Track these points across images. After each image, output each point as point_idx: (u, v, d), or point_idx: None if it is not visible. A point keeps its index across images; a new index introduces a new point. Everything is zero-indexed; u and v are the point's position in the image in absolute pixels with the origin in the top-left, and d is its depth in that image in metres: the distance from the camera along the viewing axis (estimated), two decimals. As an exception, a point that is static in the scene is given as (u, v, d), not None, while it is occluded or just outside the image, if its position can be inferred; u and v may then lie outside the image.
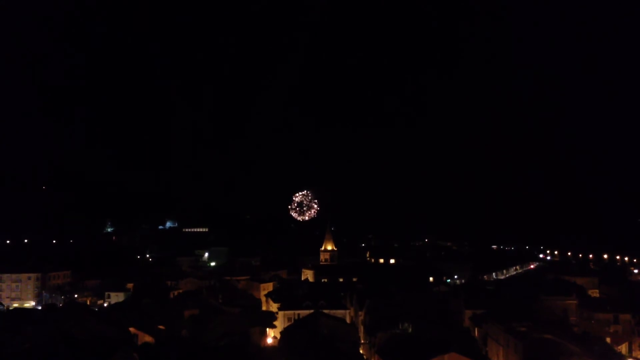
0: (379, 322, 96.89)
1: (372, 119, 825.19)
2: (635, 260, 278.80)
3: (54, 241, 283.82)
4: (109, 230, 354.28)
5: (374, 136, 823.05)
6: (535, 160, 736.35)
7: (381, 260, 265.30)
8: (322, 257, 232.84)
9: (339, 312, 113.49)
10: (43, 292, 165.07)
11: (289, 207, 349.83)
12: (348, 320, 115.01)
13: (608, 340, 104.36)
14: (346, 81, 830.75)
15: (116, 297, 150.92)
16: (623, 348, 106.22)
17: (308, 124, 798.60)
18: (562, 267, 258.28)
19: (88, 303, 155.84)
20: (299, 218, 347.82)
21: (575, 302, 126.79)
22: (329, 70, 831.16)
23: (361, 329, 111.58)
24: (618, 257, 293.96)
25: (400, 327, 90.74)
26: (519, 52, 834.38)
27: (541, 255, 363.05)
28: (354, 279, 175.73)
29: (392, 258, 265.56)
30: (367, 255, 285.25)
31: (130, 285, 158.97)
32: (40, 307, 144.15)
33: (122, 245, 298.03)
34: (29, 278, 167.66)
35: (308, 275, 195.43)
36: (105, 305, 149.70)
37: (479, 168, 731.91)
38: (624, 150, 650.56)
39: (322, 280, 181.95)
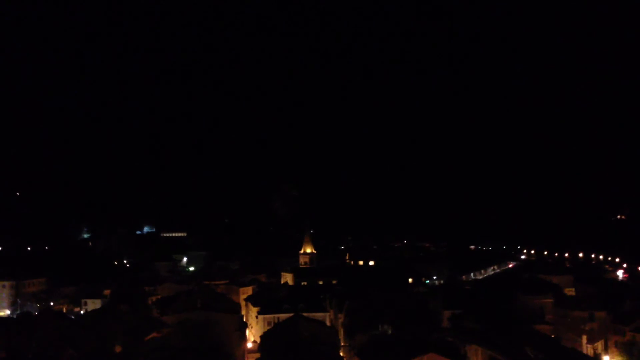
0: (359, 324, 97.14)
1: (349, 121, 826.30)
2: (609, 258, 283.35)
3: (29, 248, 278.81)
4: (85, 236, 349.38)
5: (350, 137, 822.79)
6: (510, 161, 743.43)
7: (360, 262, 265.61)
8: (301, 260, 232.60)
9: (318, 315, 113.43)
10: (18, 300, 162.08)
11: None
12: (328, 323, 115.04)
13: (584, 338, 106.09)
14: (325, 83, 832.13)
15: (93, 304, 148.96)
16: (599, 346, 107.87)
17: (286, 126, 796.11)
18: (539, 266, 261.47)
19: (64, 310, 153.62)
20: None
21: (551, 300, 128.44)
22: (307, 72, 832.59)
23: (341, 331, 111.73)
24: (593, 256, 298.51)
25: (379, 328, 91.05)
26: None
27: (520, 255, 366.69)
28: (334, 282, 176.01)
29: (371, 260, 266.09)
30: (346, 257, 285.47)
31: (107, 292, 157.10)
32: (15, 316, 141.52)
33: (99, 251, 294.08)
34: (4, 286, 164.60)
35: (287, 278, 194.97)
36: (82, 312, 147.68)
37: (455, 170, 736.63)
38: (598, 148, 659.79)
39: (302, 283, 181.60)
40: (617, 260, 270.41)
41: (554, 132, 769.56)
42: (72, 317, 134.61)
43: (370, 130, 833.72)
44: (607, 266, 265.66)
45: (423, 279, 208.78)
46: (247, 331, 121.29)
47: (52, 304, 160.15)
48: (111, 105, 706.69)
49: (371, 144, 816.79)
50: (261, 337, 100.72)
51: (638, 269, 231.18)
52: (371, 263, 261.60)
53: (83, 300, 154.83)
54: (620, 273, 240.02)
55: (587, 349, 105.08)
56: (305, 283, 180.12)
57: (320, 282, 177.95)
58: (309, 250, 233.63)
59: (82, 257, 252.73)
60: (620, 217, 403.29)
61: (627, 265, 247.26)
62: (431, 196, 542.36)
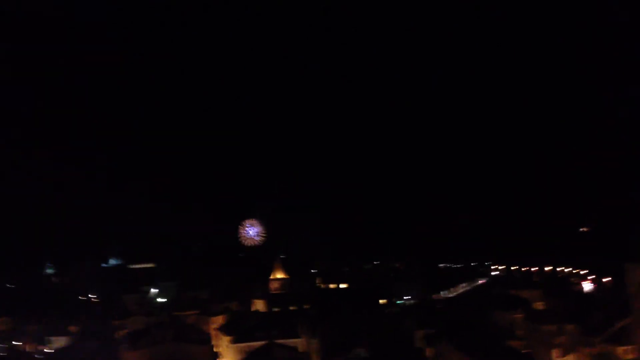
0: (333, 348, 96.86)
1: (315, 137, 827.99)
2: (575, 271, 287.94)
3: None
4: (49, 271, 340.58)
5: (316, 158, 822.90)
6: (474, 177, 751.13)
7: (332, 286, 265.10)
8: (273, 285, 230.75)
9: (292, 342, 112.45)
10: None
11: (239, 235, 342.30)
12: (301, 349, 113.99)
13: (555, 351, 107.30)
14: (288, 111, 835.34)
15: (59, 342, 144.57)
16: (570, 358, 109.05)
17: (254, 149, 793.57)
18: (508, 281, 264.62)
19: (29, 350, 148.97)
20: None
21: (521, 315, 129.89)
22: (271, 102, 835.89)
23: (315, 356, 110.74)
24: (560, 269, 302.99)
25: (353, 352, 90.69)
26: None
27: (491, 271, 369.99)
28: (306, 306, 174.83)
29: (342, 282, 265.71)
30: (318, 281, 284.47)
31: (73, 328, 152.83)
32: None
33: (64, 286, 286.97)
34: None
35: (259, 305, 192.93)
36: (47, 351, 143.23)
37: (420, 188, 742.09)
38: (563, 161, 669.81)
39: (274, 309, 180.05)
40: (583, 272, 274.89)
41: (515, 146, 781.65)
42: (38, 356, 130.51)
43: (336, 152, 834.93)
44: (573, 279, 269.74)
45: (395, 299, 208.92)
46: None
47: (16, 343, 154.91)
48: (70, 131, 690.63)
49: (337, 166, 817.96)
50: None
51: (604, 281, 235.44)
52: (343, 286, 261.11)
53: (48, 339, 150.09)
54: (587, 285, 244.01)
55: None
56: (278, 309, 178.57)
57: (293, 308, 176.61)
58: (280, 276, 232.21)
59: (46, 294, 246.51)
60: (584, 230, 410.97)
61: (594, 277, 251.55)
62: (399, 215, 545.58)
